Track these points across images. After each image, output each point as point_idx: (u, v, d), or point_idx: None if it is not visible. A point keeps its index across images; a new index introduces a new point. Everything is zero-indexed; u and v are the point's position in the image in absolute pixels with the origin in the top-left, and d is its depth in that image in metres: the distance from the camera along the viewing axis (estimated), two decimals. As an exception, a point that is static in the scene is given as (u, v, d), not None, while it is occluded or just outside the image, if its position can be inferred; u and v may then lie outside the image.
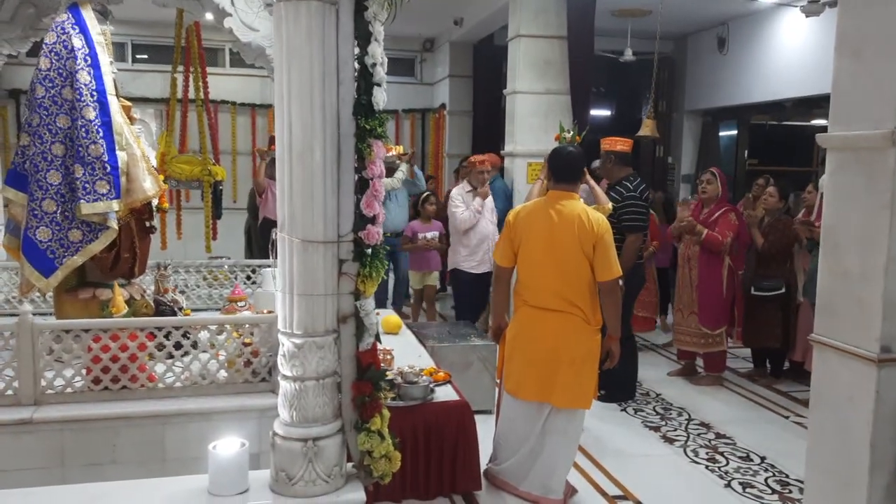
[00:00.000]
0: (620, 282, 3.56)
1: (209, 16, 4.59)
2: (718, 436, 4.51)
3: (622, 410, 4.95)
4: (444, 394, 3.64)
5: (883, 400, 2.57)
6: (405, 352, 4.19)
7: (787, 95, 7.72)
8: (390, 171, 6.74)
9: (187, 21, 4.98)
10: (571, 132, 4.45)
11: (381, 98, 2.28)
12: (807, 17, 6.41)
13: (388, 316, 5.02)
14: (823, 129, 2.83)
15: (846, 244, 2.70)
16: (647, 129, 8.02)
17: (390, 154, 6.77)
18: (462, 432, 3.51)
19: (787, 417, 4.88)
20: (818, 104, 7.89)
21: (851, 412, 2.68)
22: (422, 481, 3.45)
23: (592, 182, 4.49)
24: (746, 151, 9.66)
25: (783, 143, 9.92)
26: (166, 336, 3.14)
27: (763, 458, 4.16)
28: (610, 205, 4.36)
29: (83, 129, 3.30)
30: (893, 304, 2.53)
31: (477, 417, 3.63)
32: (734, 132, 9.81)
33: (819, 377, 2.88)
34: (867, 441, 2.61)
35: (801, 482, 3.43)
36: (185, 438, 3.02)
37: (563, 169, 3.55)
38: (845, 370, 2.70)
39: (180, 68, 5.19)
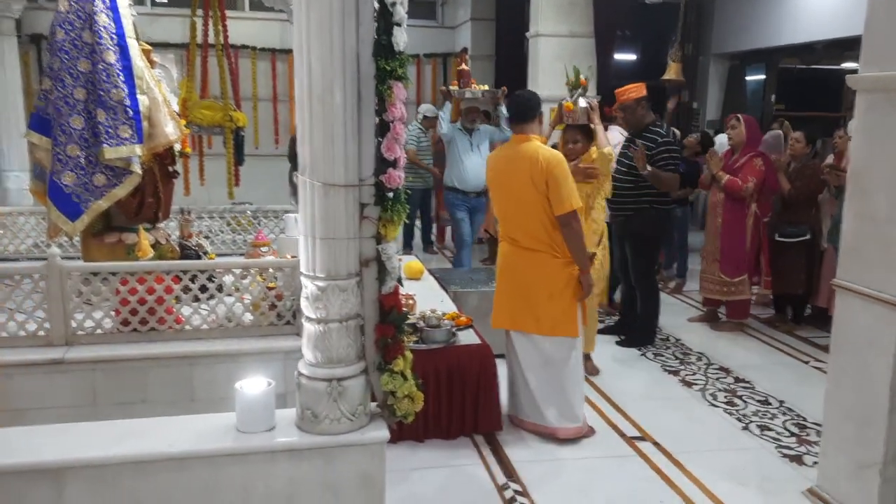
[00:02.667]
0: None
1: (226, -43, 4.51)
2: (738, 380, 4.53)
3: (642, 355, 4.98)
4: (466, 338, 3.69)
5: (905, 344, 2.57)
6: (427, 297, 4.24)
7: (817, 37, 7.50)
8: (470, 112, 6.19)
9: (205, -37, 4.90)
10: (583, 75, 4.35)
11: (401, 38, 2.24)
12: (842, -47, 6.17)
13: (411, 261, 5.05)
14: (855, 72, 2.76)
15: (874, 187, 2.66)
16: (671, 72, 7.82)
17: (475, 90, 6.04)
18: (483, 375, 3.57)
19: (806, 362, 4.89)
20: (850, 46, 7.63)
21: (872, 356, 2.69)
22: (444, 421, 3.53)
23: (600, 127, 4.31)
24: (774, 96, 9.42)
25: (812, 87, 9.67)
26: (192, 279, 3.20)
27: (781, 402, 4.19)
28: (608, 149, 4.25)
29: (104, 73, 3.30)
30: (920, 248, 2.51)
31: (498, 361, 3.69)
32: (762, 76, 9.57)
33: (841, 321, 2.88)
34: (887, 384, 2.63)
35: (819, 425, 3.45)
36: (212, 379, 3.11)
37: (516, 111, 3.69)
38: (867, 314, 2.70)
39: (199, 12, 5.13)
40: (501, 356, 3.82)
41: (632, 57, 10.73)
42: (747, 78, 9.69)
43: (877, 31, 2.65)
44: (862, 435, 2.76)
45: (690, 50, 9.38)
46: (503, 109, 6.04)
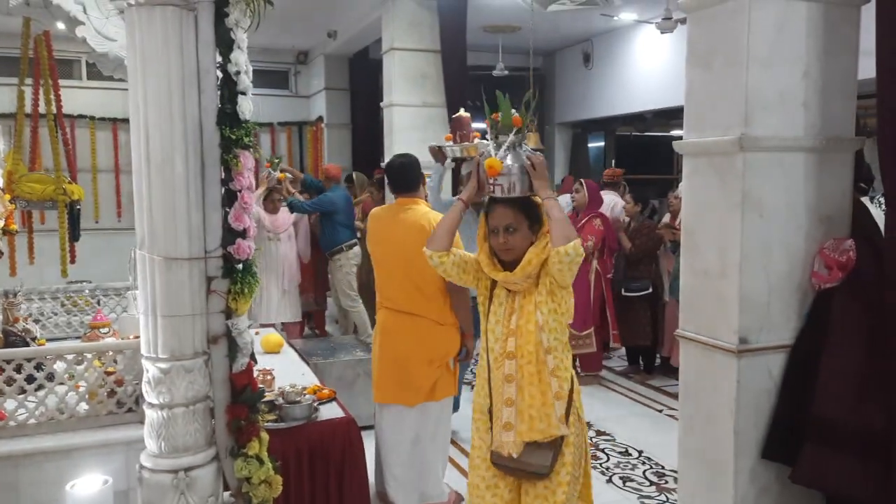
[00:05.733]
0: None
1: (60, 25, 4.29)
2: (599, 433, 4.66)
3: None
4: (330, 412, 3.54)
5: (744, 388, 2.74)
6: (288, 371, 4.05)
7: (647, 107, 8.19)
8: None
9: (36, 30, 4.62)
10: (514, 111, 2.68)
11: (246, 107, 2.19)
12: (661, 33, 6.82)
13: (269, 334, 4.85)
14: (681, 138, 3.00)
15: (704, 244, 2.86)
16: (531, 141, 8.26)
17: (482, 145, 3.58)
18: (349, 450, 3.42)
19: (660, 411, 5.13)
20: (675, 115, 8.42)
21: (716, 401, 2.84)
22: (307, 504, 3.34)
23: (551, 204, 2.47)
24: (613, 161, 10.14)
25: (646, 152, 10.49)
26: (17, 369, 2.87)
27: (640, 452, 4.34)
28: (575, 242, 2.35)
29: (-89, 146, 2.98)
30: (748, 298, 2.70)
31: (365, 433, 3.56)
32: (601, 143, 10.30)
33: (686, 370, 3.03)
34: (731, 428, 2.77)
35: (676, 472, 3.60)
36: (41, 480, 2.76)
37: (399, 182, 3.59)
38: (708, 362, 2.86)
39: (29, 81, 4.82)
40: (368, 427, 3.70)
41: (482, 125, 11.23)
42: (589, 145, 10.39)
43: (695, 100, 2.90)
44: (713, 480, 2.88)
45: (536, 119, 9.95)
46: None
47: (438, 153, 4.40)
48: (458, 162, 4.45)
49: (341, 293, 6.64)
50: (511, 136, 2.49)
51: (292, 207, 6.61)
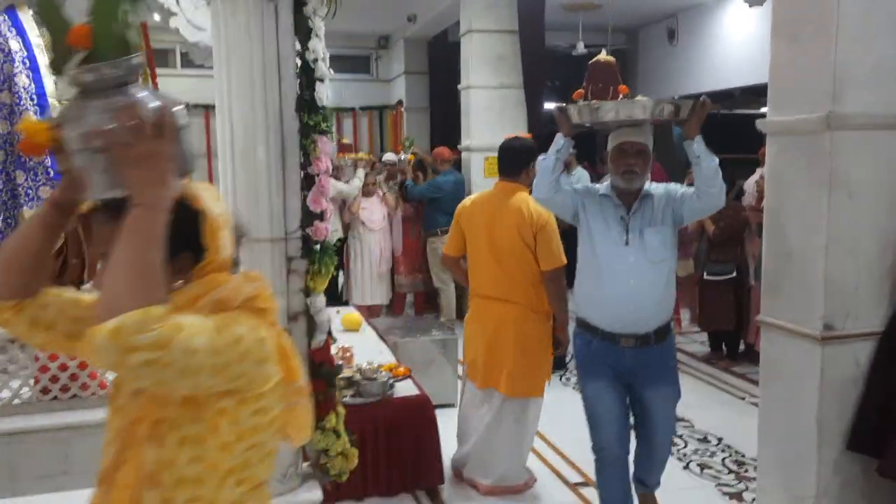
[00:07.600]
0: None
1: (156, 16, 4.51)
2: (677, 419, 4.57)
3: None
4: (405, 389, 3.64)
5: (827, 377, 2.64)
6: (366, 348, 4.18)
7: (735, 84, 7.88)
8: (623, 156, 3.13)
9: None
10: None
11: (324, 93, 2.27)
12: (750, 6, 6.54)
13: (349, 313, 5.00)
14: (765, 116, 2.89)
15: (788, 226, 2.76)
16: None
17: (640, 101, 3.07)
18: (423, 427, 3.52)
19: (743, 399, 4.98)
20: (765, 92, 8.06)
21: (798, 390, 2.75)
22: (383, 478, 3.45)
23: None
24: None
25: (734, 131, 10.09)
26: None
27: (720, 440, 4.24)
28: None
29: (23, 134, 3.22)
30: (834, 282, 2.60)
31: (439, 411, 3.64)
32: (687, 122, 9.98)
33: (767, 357, 2.94)
34: (814, 418, 2.68)
35: (756, 461, 3.51)
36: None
37: (507, 165, 3.56)
38: (791, 349, 2.76)
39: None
40: (443, 406, 3.78)
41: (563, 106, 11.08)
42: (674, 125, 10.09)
43: (780, 77, 2.79)
44: (794, 469, 2.80)
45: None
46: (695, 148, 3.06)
47: (563, 119, 3.00)
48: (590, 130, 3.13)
49: (434, 274, 6.80)
50: (72, 70, 1.18)
51: (407, 192, 6.78)
